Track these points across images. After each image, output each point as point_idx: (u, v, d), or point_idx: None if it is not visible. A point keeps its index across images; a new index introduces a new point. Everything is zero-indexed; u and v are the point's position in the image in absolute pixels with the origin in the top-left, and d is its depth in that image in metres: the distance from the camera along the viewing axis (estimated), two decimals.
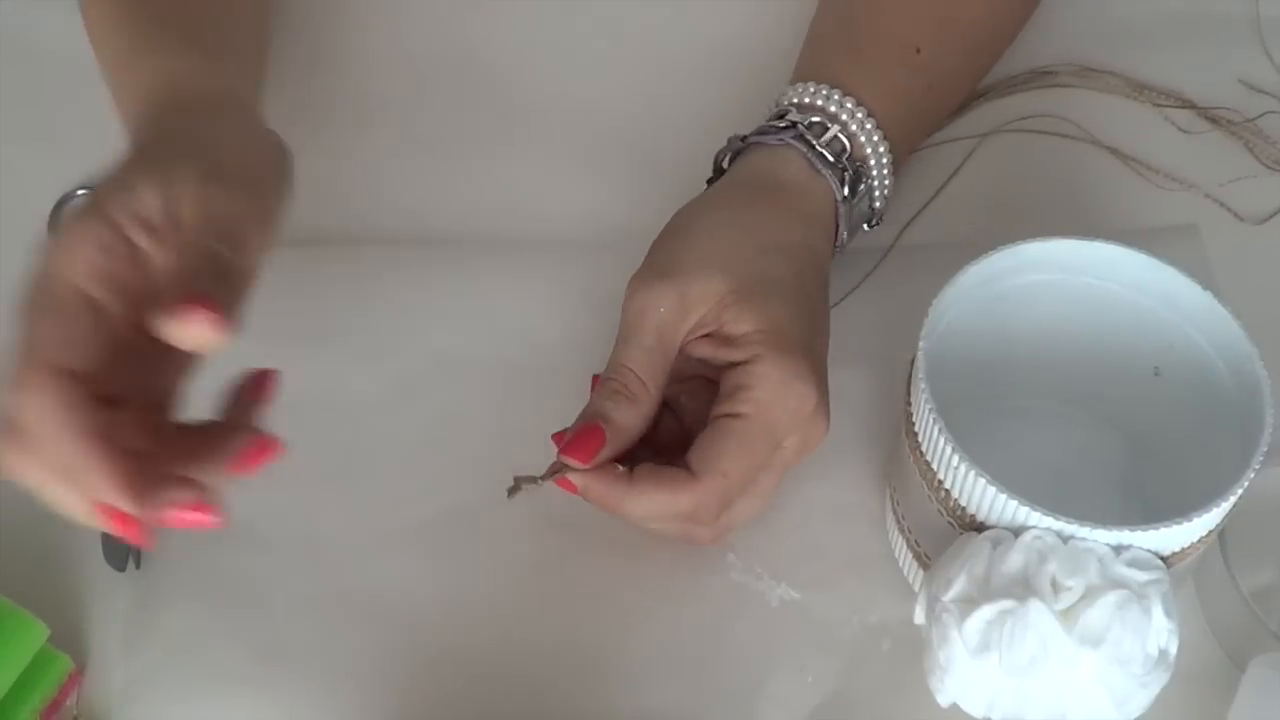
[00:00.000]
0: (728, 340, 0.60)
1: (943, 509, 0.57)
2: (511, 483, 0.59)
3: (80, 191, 0.75)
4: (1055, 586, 0.53)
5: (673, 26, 0.81)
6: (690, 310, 0.60)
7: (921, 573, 0.60)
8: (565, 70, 0.79)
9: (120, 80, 0.64)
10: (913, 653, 0.58)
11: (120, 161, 0.54)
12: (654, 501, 0.58)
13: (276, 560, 0.65)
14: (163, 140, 0.56)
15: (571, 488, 0.59)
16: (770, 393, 0.58)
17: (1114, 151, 0.77)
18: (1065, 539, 0.54)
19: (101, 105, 0.77)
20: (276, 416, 0.67)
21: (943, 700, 0.56)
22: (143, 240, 0.51)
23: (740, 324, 0.59)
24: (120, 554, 0.64)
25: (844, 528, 0.65)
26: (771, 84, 0.71)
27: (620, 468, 0.59)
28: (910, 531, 0.61)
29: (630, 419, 0.59)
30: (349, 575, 0.64)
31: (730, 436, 0.58)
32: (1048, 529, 0.54)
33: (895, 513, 0.62)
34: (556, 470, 0.59)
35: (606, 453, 0.59)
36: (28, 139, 0.77)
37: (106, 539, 0.64)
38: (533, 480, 0.59)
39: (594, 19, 0.81)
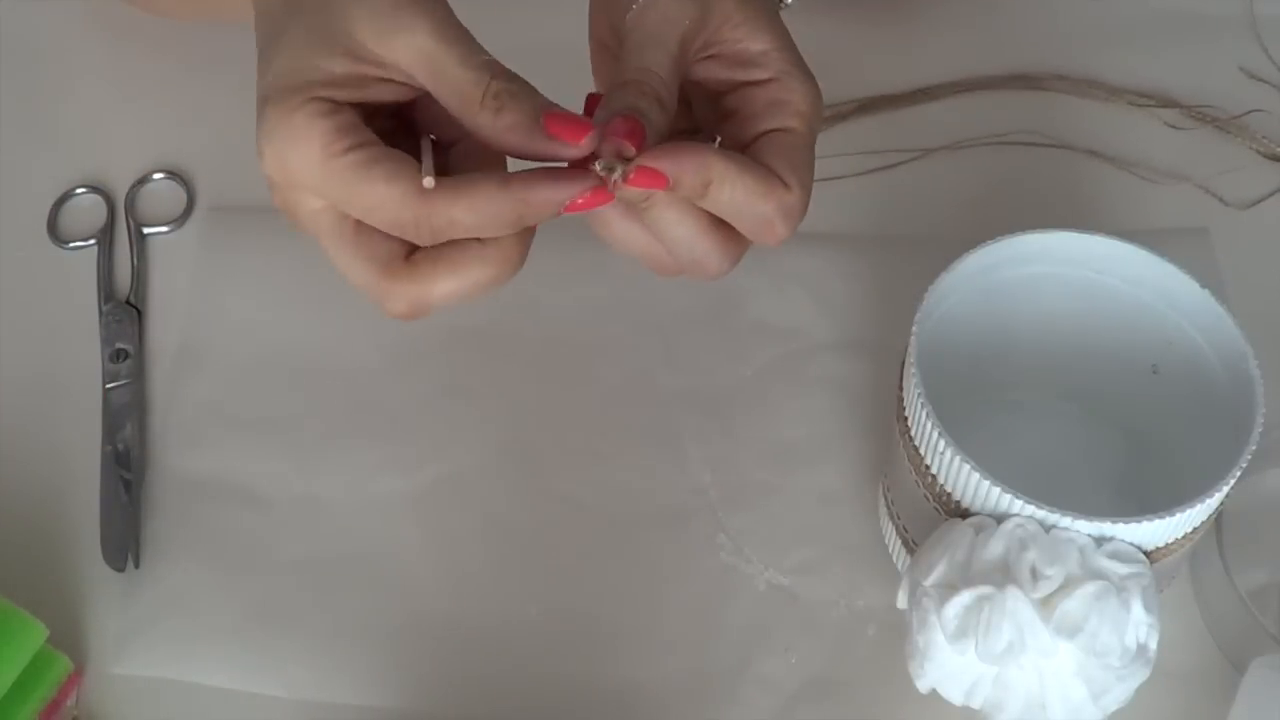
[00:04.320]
0: (742, 59, 0.56)
1: (930, 495, 0.57)
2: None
3: (79, 191, 0.75)
4: (1035, 575, 0.53)
5: None
6: (707, 28, 0.56)
7: (909, 559, 0.60)
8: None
9: None
10: (898, 639, 0.58)
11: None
12: (748, 190, 0.52)
13: (274, 521, 0.65)
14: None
15: (654, 181, 0.51)
16: (811, 106, 0.56)
17: (1105, 158, 0.77)
18: (1047, 528, 0.54)
19: (102, 105, 0.78)
20: (279, 382, 0.68)
21: (922, 686, 0.56)
22: None
23: (756, 42, 0.56)
24: (119, 553, 0.64)
25: (836, 514, 0.66)
26: None
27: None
28: (899, 518, 0.61)
29: (660, 125, 0.53)
30: (346, 538, 0.65)
31: (796, 150, 0.55)
32: (1030, 517, 0.54)
33: (886, 499, 0.62)
34: (611, 167, 0.51)
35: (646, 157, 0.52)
36: (28, 139, 0.77)
37: (106, 538, 0.64)
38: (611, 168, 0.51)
39: None
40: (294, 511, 0.66)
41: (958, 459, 0.54)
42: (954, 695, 0.56)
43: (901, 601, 0.57)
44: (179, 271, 0.73)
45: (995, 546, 0.54)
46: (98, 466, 0.66)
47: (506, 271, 0.52)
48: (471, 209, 0.50)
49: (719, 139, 0.55)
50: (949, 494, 0.56)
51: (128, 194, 0.75)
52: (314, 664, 0.62)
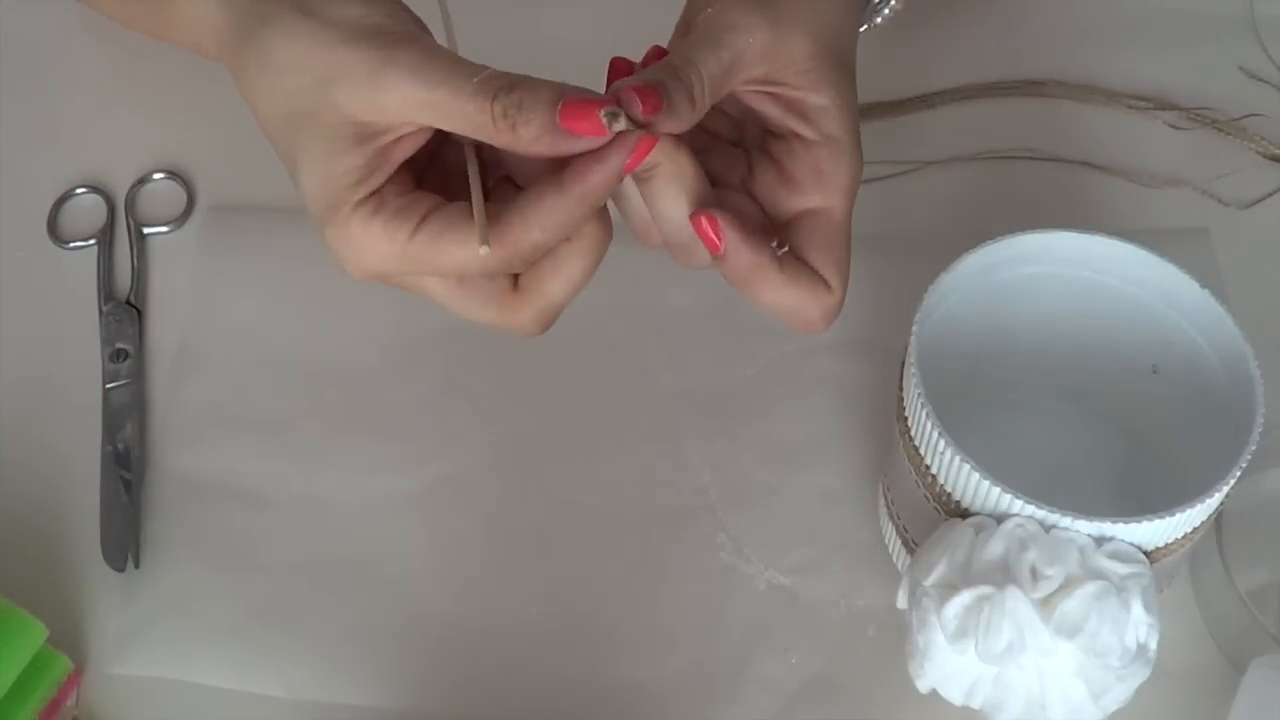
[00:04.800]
0: (799, 108, 0.55)
1: (930, 495, 0.57)
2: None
3: (80, 191, 0.75)
4: (1035, 575, 0.53)
5: None
6: (772, 57, 0.54)
7: (909, 559, 0.61)
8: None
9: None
10: (898, 639, 0.58)
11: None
12: (793, 299, 0.55)
13: (274, 521, 0.65)
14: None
15: (705, 233, 0.53)
16: (854, 180, 0.56)
17: (1105, 159, 0.77)
18: (1047, 528, 0.54)
19: (102, 105, 0.77)
20: (279, 381, 0.68)
21: (922, 686, 0.56)
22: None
23: (817, 95, 0.55)
24: (119, 553, 0.64)
25: (836, 514, 0.66)
26: None
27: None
28: (899, 518, 0.61)
29: (681, 117, 0.52)
30: (346, 538, 0.65)
31: (836, 238, 0.55)
32: (1030, 517, 0.54)
33: (886, 499, 0.62)
34: (615, 114, 0.50)
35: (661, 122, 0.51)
36: (28, 139, 0.77)
37: (106, 538, 0.64)
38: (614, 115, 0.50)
39: None
40: (294, 511, 0.66)
41: (958, 459, 0.54)
42: (954, 695, 0.56)
43: (901, 601, 0.57)
44: (179, 271, 0.73)
45: (995, 546, 0.54)
46: (98, 466, 0.66)
47: (601, 250, 0.53)
48: (545, 228, 0.51)
49: (785, 247, 0.55)
50: (949, 494, 0.56)
51: (128, 194, 0.75)
52: (314, 664, 0.62)
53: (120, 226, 0.74)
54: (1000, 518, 0.55)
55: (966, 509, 0.56)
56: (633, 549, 0.65)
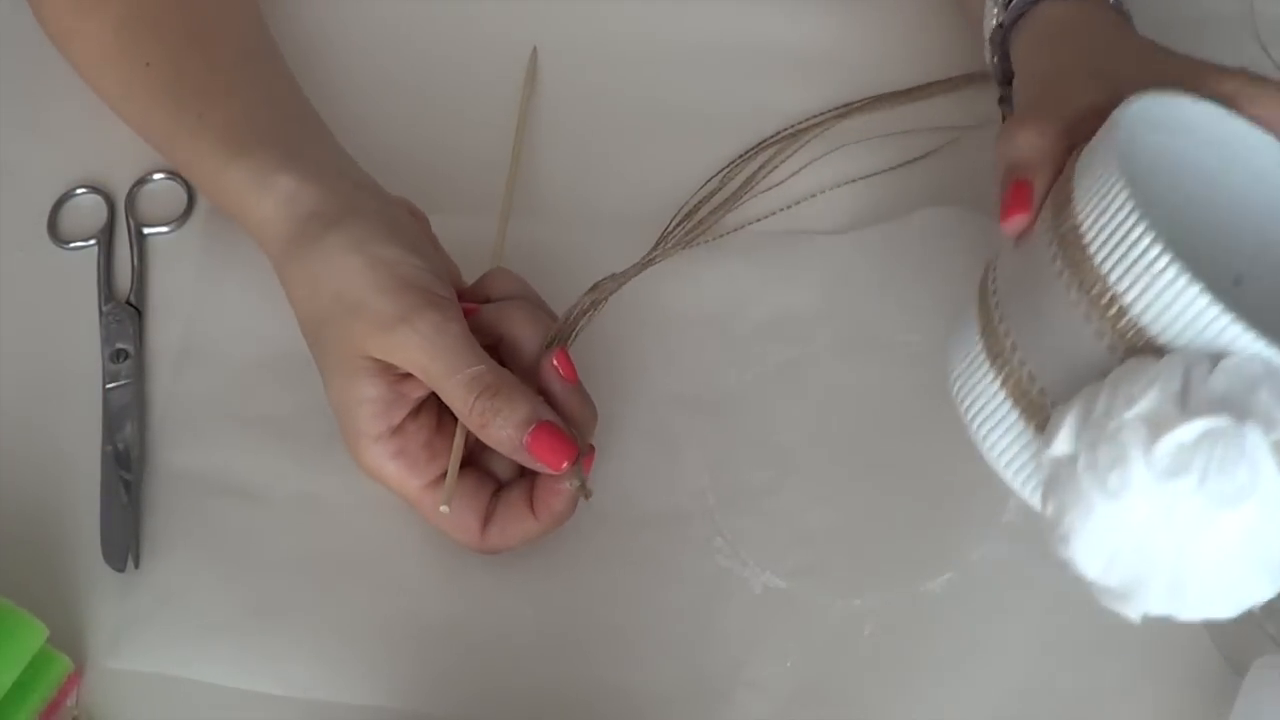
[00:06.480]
0: None
1: (1105, 332, 0.48)
2: None
3: (80, 191, 0.75)
4: (1268, 416, 0.45)
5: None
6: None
7: (1029, 434, 0.51)
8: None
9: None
10: (895, 641, 0.58)
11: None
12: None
13: (274, 520, 0.66)
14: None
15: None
16: None
17: None
18: (1272, 370, 0.46)
19: (101, 105, 0.77)
20: (279, 381, 0.68)
21: (1064, 551, 0.48)
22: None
23: None
24: (119, 553, 0.64)
25: (834, 517, 0.65)
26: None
27: None
28: (1032, 379, 0.51)
29: None
30: (345, 537, 0.65)
31: None
32: (1256, 356, 0.46)
33: (1005, 347, 0.52)
34: (580, 482, 0.61)
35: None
36: (28, 138, 0.77)
37: (106, 538, 0.64)
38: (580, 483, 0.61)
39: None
40: (294, 510, 0.66)
41: (1183, 278, 0.46)
42: (1092, 567, 0.48)
43: (1059, 448, 0.48)
44: (179, 271, 0.73)
45: (1218, 381, 0.46)
46: (98, 466, 0.67)
47: (560, 524, 0.62)
48: (522, 541, 0.62)
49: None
50: (1139, 327, 0.47)
51: (128, 194, 0.75)
52: (313, 662, 0.62)
53: (120, 226, 0.74)
54: (1216, 357, 0.46)
55: (1161, 346, 0.47)
56: (630, 551, 0.65)
